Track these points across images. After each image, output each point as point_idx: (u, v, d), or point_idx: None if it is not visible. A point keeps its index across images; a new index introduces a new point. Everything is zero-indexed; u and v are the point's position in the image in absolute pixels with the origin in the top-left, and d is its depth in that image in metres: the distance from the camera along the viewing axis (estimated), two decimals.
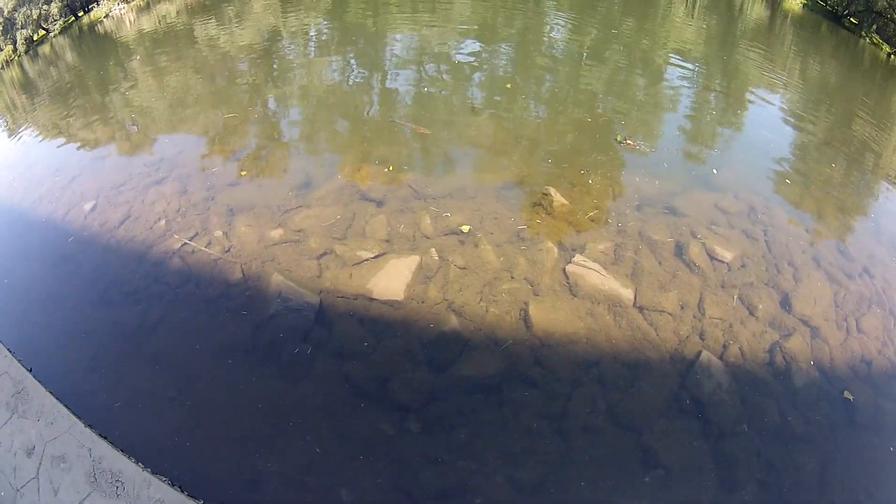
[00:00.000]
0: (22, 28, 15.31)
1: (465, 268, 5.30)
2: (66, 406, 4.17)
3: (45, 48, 14.66)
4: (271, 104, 9.13)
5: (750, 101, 10.34)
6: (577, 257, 5.47)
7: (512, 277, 5.23)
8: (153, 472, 3.77)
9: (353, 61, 11.01)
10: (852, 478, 4.18)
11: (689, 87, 10.46)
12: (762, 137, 8.73)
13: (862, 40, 14.34)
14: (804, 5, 16.83)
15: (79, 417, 4.09)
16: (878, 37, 13.89)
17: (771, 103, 10.35)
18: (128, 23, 14.66)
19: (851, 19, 14.76)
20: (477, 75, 9.97)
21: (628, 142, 7.74)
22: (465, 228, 5.72)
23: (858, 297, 5.62)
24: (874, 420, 4.58)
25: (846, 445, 4.39)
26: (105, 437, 3.97)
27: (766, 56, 13.04)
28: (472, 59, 10.72)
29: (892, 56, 13.34)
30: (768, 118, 9.68)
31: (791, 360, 4.86)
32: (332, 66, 10.67)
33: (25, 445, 3.90)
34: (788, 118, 9.85)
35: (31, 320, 5.19)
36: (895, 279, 6.03)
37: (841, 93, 11.55)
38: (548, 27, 13.20)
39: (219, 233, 5.76)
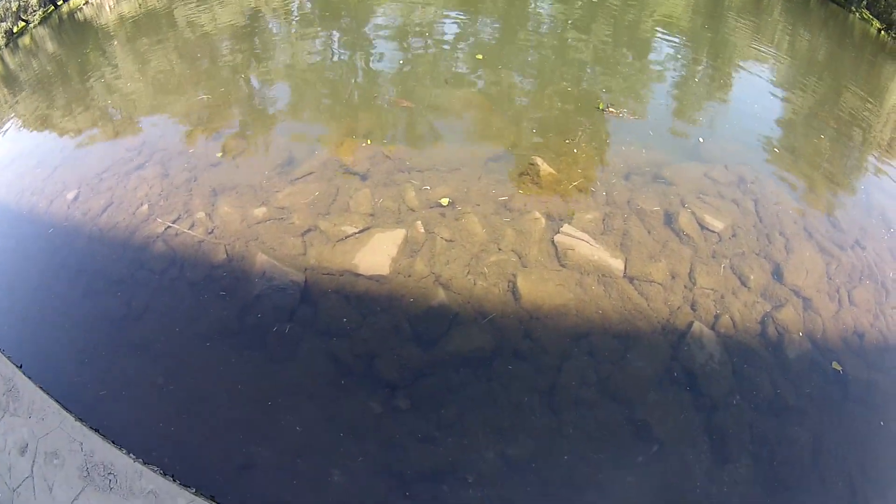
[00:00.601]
0: (1, 21, 15.00)
1: (451, 240, 5.21)
2: (56, 401, 4.10)
3: (25, 39, 14.36)
4: (252, 83, 8.96)
5: (738, 73, 10.27)
6: (566, 227, 5.40)
7: (499, 249, 5.15)
8: (144, 463, 3.72)
9: (334, 36, 10.80)
10: (844, 450, 4.19)
11: (675, 58, 10.38)
12: (751, 109, 8.67)
13: (852, 15, 14.23)
14: None
15: (69, 412, 4.02)
16: (868, 12, 13.76)
17: (759, 75, 10.28)
18: (107, 8, 14.36)
19: None
20: (461, 47, 9.81)
21: (611, 109, 7.64)
22: (445, 201, 5.62)
23: (850, 268, 5.61)
24: (866, 393, 4.58)
25: (838, 418, 4.39)
26: (96, 430, 3.91)
27: (754, 28, 12.96)
28: (456, 31, 10.55)
29: (882, 32, 13.23)
30: (757, 90, 9.61)
31: (783, 332, 4.85)
32: (313, 43, 10.46)
33: (19, 444, 3.84)
34: (777, 90, 9.79)
35: (18, 315, 5.07)
36: (886, 252, 6.01)
37: (830, 67, 11.50)
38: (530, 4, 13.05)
39: (201, 214, 5.63)
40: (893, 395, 4.66)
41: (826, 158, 7.68)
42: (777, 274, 5.30)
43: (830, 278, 5.47)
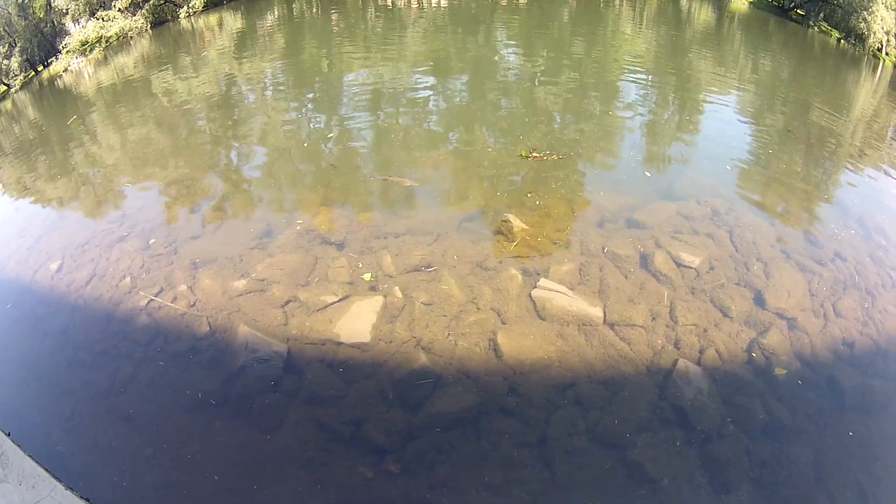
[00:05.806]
0: None
1: (430, 304, 5.24)
2: (45, 469, 4.05)
3: (6, 104, 14.52)
4: (229, 154, 9.10)
5: (703, 106, 10.53)
6: (542, 281, 5.43)
7: (478, 308, 5.18)
8: None
9: (308, 105, 11.08)
10: (848, 460, 4.18)
11: (638, 100, 10.60)
12: (719, 140, 8.85)
13: (810, 30, 14.69)
14: (750, 4, 17.16)
15: (59, 480, 3.96)
16: (826, 24, 14.22)
17: (725, 104, 10.55)
18: (86, 76, 14.59)
19: (798, 10, 15.09)
20: (432, 112, 10.02)
21: (534, 155, 7.73)
22: (367, 277, 5.58)
23: (832, 281, 5.69)
24: (864, 401, 4.60)
25: (839, 430, 4.38)
26: (87, 500, 3.85)
27: (716, 58, 13.31)
28: (425, 94, 10.83)
29: (842, 41, 13.66)
30: (724, 119, 9.84)
31: (771, 355, 4.87)
32: (288, 112, 10.70)
33: None
34: (744, 116, 10.02)
35: (3, 383, 5.07)
36: (867, 258, 6.11)
37: (794, 83, 11.83)
38: (495, 58, 13.35)
39: (183, 287, 5.66)
40: (891, 397, 4.67)
41: (798, 176, 7.83)
42: (758, 300, 5.34)
43: (813, 295, 5.53)
